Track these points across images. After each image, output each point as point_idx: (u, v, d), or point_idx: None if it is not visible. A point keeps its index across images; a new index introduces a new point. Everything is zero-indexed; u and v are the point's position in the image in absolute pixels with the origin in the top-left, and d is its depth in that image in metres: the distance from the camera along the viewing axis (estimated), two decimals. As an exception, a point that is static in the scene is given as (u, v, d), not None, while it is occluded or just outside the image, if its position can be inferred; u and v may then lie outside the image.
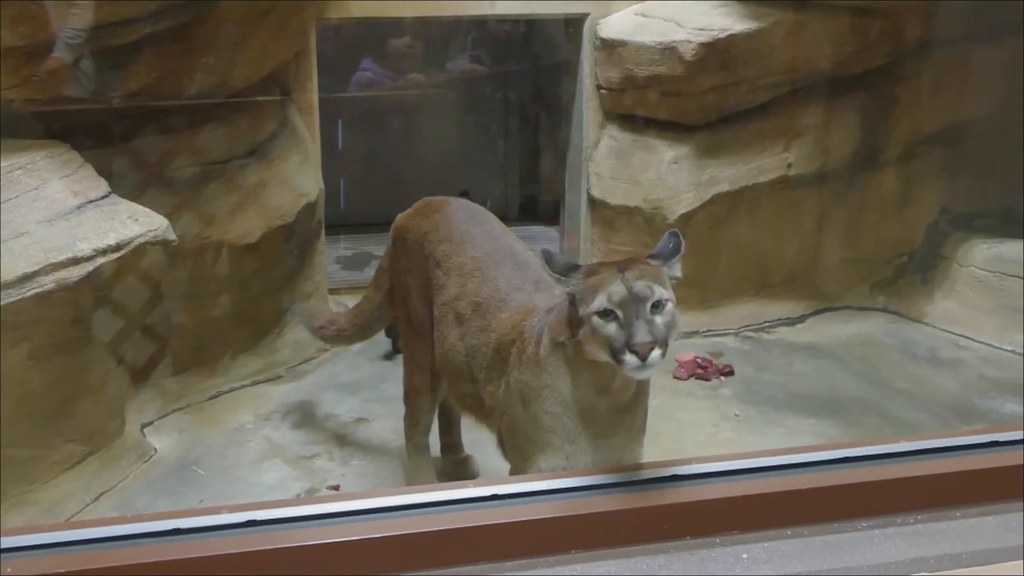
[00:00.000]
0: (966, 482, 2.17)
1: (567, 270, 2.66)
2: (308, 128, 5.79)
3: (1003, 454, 2.24)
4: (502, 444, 3.27)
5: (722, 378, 5.60)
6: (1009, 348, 6.06)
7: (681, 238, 2.72)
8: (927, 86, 6.47)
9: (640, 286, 2.49)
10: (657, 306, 2.49)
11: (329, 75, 6.49)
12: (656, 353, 2.43)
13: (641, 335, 2.42)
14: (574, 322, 2.65)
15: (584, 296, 2.58)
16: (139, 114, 4.72)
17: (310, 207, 5.55)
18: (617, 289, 2.49)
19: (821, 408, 5.25)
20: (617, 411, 2.82)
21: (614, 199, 6.28)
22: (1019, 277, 6.12)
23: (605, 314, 2.49)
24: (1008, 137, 6.49)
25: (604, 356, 2.52)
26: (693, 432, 4.98)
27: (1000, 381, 5.68)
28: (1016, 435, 2.31)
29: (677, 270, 2.69)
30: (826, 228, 6.57)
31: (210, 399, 5.17)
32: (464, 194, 4.54)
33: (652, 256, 2.69)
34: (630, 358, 2.42)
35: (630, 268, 2.56)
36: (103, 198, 4.13)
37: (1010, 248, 6.29)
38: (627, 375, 2.52)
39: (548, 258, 2.68)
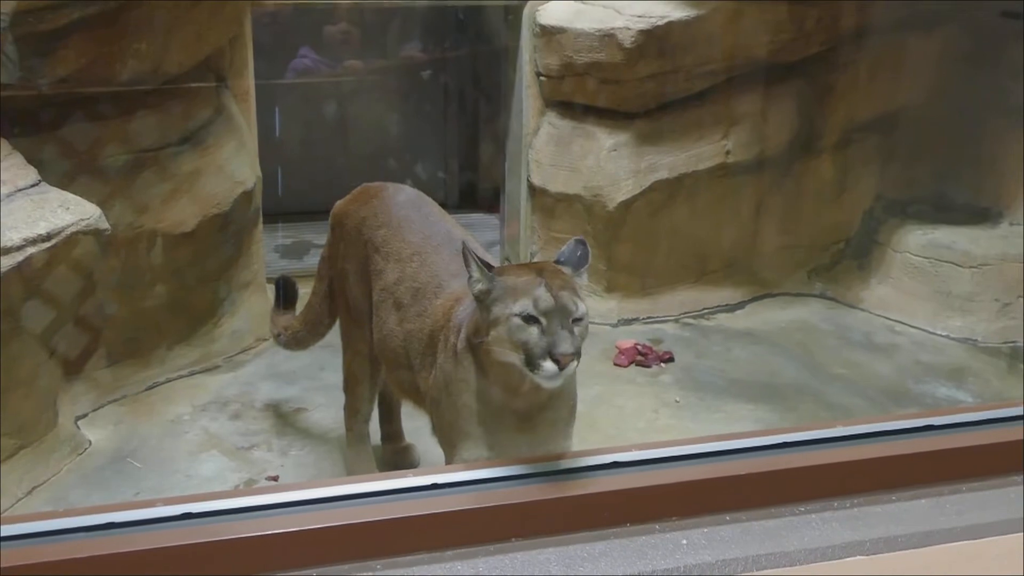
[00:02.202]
0: (901, 466, 2.20)
1: (484, 266, 2.65)
2: (244, 115, 5.71)
3: (937, 438, 2.27)
4: (435, 432, 3.28)
5: (662, 365, 5.63)
6: (943, 333, 6.17)
7: (587, 247, 2.73)
8: (862, 74, 6.55)
9: (566, 297, 2.50)
10: (578, 320, 2.51)
11: (266, 61, 6.42)
12: (574, 364, 2.45)
13: (565, 345, 2.43)
14: (484, 322, 2.64)
15: (503, 297, 2.57)
16: (69, 101, 4.63)
17: (247, 195, 5.49)
18: (544, 296, 2.49)
19: (759, 394, 5.31)
20: (534, 407, 2.80)
21: (554, 186, 6.29)
22: (953, 263, 6.23)
23: (528, 319, 2.49)
24: (940, 125, 6.60)
25: (515, 360, 2.52)
26: (633, 419, 5.00)
27: (934, 366, 5.78)
28: (949, 419, 2.35)
29: (584, 279, 2.70)
30: (764, 215, 6.63)
31: (146, 390, 5.10)
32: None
33: (559, 262, 2.69)
34: (549, 365, 2.43)
35: (551, 276, 2.56)
36: (33, 186, 4.06)
37: (944, 234, 6.40)
38: (538, 382, 2.51)
39: (469, 256, 2.66)
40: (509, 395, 2.76)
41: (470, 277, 2.67)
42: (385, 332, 3.55)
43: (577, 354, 2.45)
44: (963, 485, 2.18)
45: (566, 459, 2.27)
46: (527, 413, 2.80)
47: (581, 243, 2.74)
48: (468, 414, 2.87)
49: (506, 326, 2.53)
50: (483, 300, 2.64)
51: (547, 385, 2.52)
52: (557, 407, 2.85)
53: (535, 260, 5.27)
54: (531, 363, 2.47)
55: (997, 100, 6.43)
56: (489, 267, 2.65)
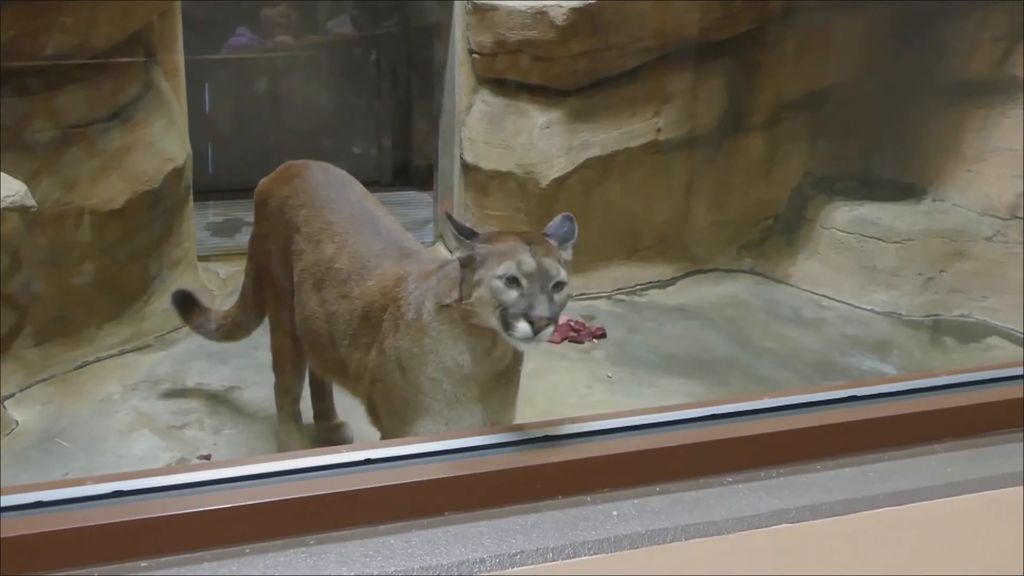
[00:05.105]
0: (826, 436, 2.23)
1: (468, 234, 2.68)
2: (174, 91, 5.64)
3: (860, 408, 2.31)
4: (372, 412, 3.27)
5: (595, 341, 5.67)
6: (868, 307, 6.28)
7: (575, 224, 2.76)
8: (790, 52, 6.62)
9: (549, 263, 2.54)
10: (558, 286, 2.55)
11: (198, 37, 6.34)
12: (549, 329, 2.48)
13: (542, 308, 2.46)
14: (467, 284, 2.66)
15: (488, 259, 2.59)
16: (-7, 75, 4.55)
17: (177, 172, 5.42)
18: (527, 260, 2.53)
19: (691, 368, 5.36)
20: (495, 376, 2.86)
21: (487, 164, 6.28)
22: (877, 239, 6.33)
23: (510, 280, 2.52)
24: (866, 103, 6.69)
25: (493, 321, 2.56)
26: (566, 394, 5.03)
27: (859, 339, 5.88)
28: (873, 390, 2.39)
29: (569, 254, 2.73)
30: (695, 192, 6.68)
31: (75, 370, 5.03)
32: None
33: (546, 235, 2.72)
34: (523, 326, 2.46)
35: (537, 243, 2.60)
36: (-44, 163, 3.98)
37: (869, 210, 6.50)
38: (512, 343, 2.56)
39: (454, 224, 2.69)
40: (479, 361, 2.80)
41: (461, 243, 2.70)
42: (307, 313, 3.53)
43: (553, 320, 2.48)
44: (886, 454, 2.21)
45: (498, 433, 2.28)
46: (488, 382, 2.86)
47: (568, 219, 2.78)
48: (431, 387, 2.89)
49: (488, 287, 2.56)
50: (468, 265, 2.67)
51: (520, 347, 2.59)
52: (511, 376, 2.92)
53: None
54: (506, 323, 2.50)
55: (922, 78, 6.54)
56: (473, 233, 2.68)
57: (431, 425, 2.90)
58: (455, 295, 2.74)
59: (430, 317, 2.88)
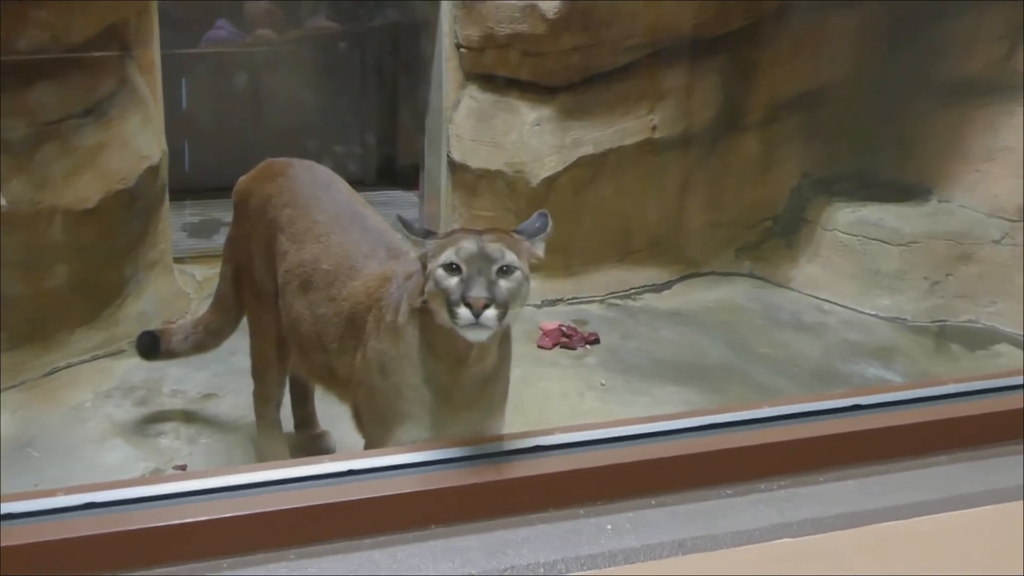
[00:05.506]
0: (828, 447, 2.23)
1: (425, 233, 2.68)
2: (150, 87, 5.62)
3: (864, 418, 2.31)
4: (357, 417, 3.26)
5: (587, 346, 5.66)
6: (871, 312, 6.28)
7: (549, 219, 2.75)
8: (786, 50, 6.62)
9: (492, 247, 2.52)
10: (505, 271, 2.51)
11: (175, 31, 6.32)
12: (491, 312, 2.42)
13: (477, 289, 2.42)
14: (424, 283, 2.66)
15: (435, 252, 2.59)
16: (-37, 70, 4.53)
17: (153, 170, 5.40)
18: (468, 245, 2.51)
19: (687, 375, 5.35)
20: (478, 382, 2.83)
21: (475, 162, 6.27)
22: (881, 241, 6.33)
23: (449, 267, 2.51)
24: (864, 101, 6.70)
25: (444, 315, 2.53)
26: (558, 402, 5.02)
27: (862, 345, 5.88)
28: (877, 399, 2.39)
29: (540, 250, 2.71)
30: (691, 192, 6.68)
31: (46, 376, 5.00)
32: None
33: (518, 231, 2.71)
34: (463, 312, 2.42)
35: (487, 232, 2.59)
36: (-77, 161, 3.96)
37: (872, 212, 6.50)
38: (461, 335, 2.51)
39: (405, 223, 2.69)
40: (456, 364, 2.76)
41: (415, 243, 2.69)
42: (293, 315, 3.52)
43: (495, 301, 2.43)
44: (890, 465, 2.22)
45: (487, 443, 2.27)
46: (470, 387, 2.82)
47: (543, 215, 2.77)
48: (409, 392, 2.87)
49: (433, 278, 2.55)
50: (423, 263, 2.66)
51: (470, 337, 2.51)
52: (496, 381, 2.88)
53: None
54: (452, 314, 2.47)
55: (921, 76, 6.55)
56: (429, 233, 2.67)
57: (412, 432, 2.88)
58: (423, 297, 2.73)
59: (404, 319, 2.87)
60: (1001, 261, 6.15)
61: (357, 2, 7.92)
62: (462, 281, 2.47)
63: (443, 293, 2.50)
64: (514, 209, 6.06)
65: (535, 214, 2.78)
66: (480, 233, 2.58)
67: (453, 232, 2.65)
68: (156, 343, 4.45)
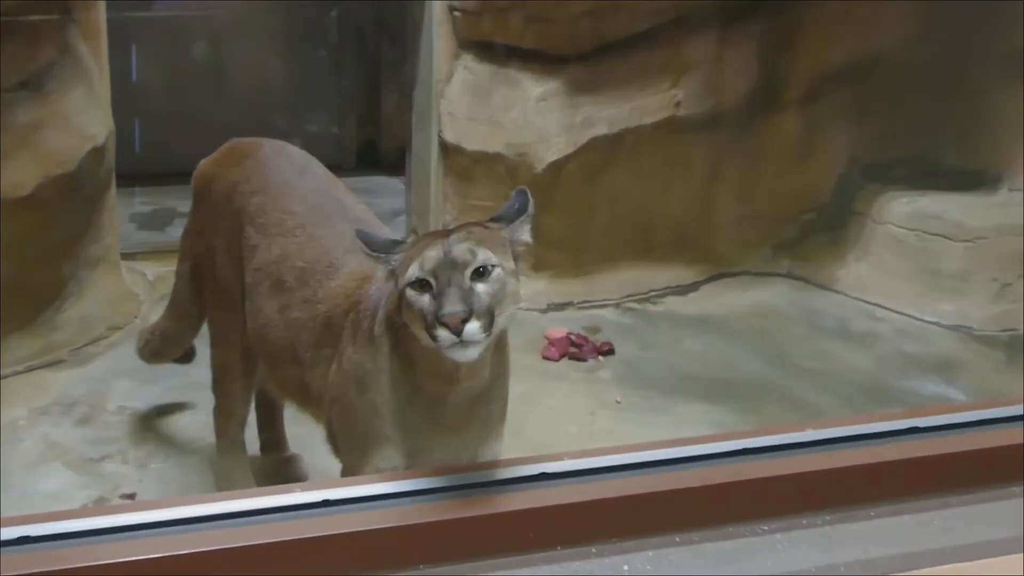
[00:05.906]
0: (881, 476, 2.23)
1: (389, 247, 2.65)
2: (94, 56, 5.63)
3: (923, 442, 2.31)
4: (332, 439, 3.25)
5: (600, 358, 5.66)
6: (931, 319, 6.27)
7: (529, 196, 2.69)
8: (832, 13, 6.62)
9: (460, 249, 2.47)
10: (481, 273, 2.46)
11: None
12: (473, 326, 2.39)
13: (450, 304, 2.38)
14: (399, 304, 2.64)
15: (401, 268, 2.56)
16: None
17: (97, 152, 5.41)
18: (432, 254, 2.47)
19: (715, 392, 5.35)
20: (468, 398, 2.79)
21: (471, 144, 6.27)
22: (943, 236, 6.31)
23: (418, 284, 2.48)
24: (923, 74, 6.68)
25: (425, 337, 2.49)
26: (566, 422, 5.03)
27: (920, 357, 5.88)
28: (938, 420, 2.38)
29: (525, 233, 2.67)
30: (721, 180, 6.69)
31: (-27, 390, 5.03)
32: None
33: (495, 219, 2.67)
34: (442, 333, 2.38)
35: (455, 234, 2.53)
36: None
37: (932, 202, 6.49)
38: (449, 357, 2.47)
39: (364, 238, 2.67)
40: (444, 381, 2.73)
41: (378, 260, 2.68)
42: (262, 321, 3.51)
43: (473, 313, 2.39)
44: (953, 498, 2.21)
45: (483, 470, 2.27)
46: (460, 406, 2.80)
47: (522, 193, 2.70)
48: (388, 411, 2.86)
49: (405, 300, 2.53)
50: (392, 280, 2.64)
51: (458, 358, 2.48)
52: (491, 399, 2.86)
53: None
54: (431, 336, 2.44)
55: (991, 46, 6.53)
56: (394, 244, 2.66)
57: (392, 456, 2.87)
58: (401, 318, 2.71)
59: (380, 328, 2.85)
60: (1082, 260, 6.16)
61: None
62: (433, 298, 2.44)
63: (418, 315, 2.48)
64: (516, 198, 6.05)
65: (513, 192, 2.72)
66: (447, 235, 2.54)
67: (419, 240, 2.63)
68: None
